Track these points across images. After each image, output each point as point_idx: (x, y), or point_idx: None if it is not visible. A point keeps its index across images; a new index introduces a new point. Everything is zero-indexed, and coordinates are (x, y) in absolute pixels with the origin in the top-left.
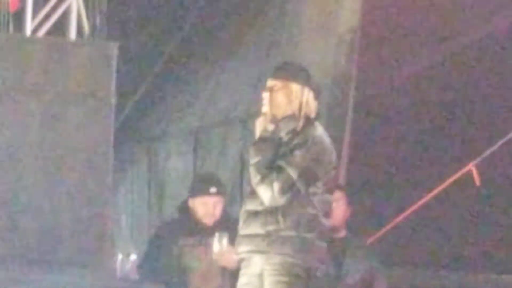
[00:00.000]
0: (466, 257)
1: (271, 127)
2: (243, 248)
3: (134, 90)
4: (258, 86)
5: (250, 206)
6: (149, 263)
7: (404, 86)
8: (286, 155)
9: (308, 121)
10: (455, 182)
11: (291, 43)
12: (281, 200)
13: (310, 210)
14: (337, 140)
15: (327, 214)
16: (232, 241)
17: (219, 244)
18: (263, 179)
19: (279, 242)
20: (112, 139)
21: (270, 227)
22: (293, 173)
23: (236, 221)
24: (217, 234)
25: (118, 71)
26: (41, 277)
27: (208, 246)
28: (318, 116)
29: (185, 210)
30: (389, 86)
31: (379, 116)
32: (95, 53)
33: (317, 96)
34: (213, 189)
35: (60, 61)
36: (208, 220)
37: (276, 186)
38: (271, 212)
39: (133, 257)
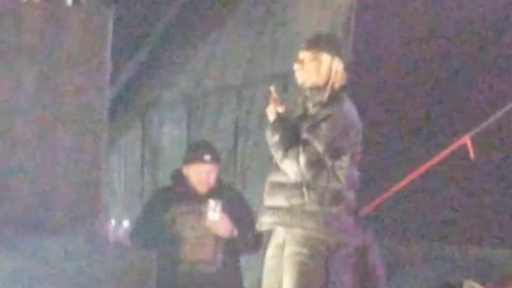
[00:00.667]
0: (461, 229)
1: (281, 109)
2: (266, 219)
3: (130, 57)
4: (253, 55)
5: (275, 177)
6: (142, 230)
7: (401, 58)
8: (312, 128)
9: (336, 93)
10: (450, 154)
11: (286, 13)
12: (308, 174)
13: (336, 185)
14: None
15: (354, 188)
16: (225, 209)
17: (213, 211)
18: (287, 153)
19: (303, 217)
20: (107, 105)
21: (294, 201)
22: (319, 146)
23: (230, 189)
24: (211, 202)
25: (114, 37)
26: (33, 242)
27: (201, 214)
28: (345, 88)
29: (178, 177)
30: (385, 57)
31: (374, 88)
32: (91, 19)
33: (347, 66)
34: (207, 157)
35: (56, 26)
36: (202, 188)
37: (302, 159)
38: (296, 185)
39: (126, 223)
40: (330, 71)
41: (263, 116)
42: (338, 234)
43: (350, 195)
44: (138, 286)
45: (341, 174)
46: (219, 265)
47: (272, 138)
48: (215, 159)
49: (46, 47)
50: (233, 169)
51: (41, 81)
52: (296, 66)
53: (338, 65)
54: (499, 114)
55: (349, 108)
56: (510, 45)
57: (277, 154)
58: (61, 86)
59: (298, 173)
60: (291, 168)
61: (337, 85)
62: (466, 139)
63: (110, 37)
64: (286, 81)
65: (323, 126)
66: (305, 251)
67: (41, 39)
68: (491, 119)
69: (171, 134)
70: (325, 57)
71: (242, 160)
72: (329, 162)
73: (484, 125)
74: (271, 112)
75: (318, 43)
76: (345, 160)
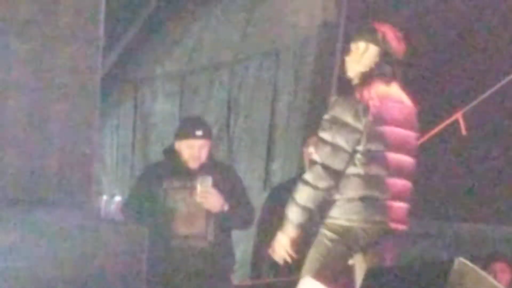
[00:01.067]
0: (451, 206)
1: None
2: None
3: (123, 33)
4: (245, 31)
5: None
6: (134, 205)
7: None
8: None
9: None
10: (441, 130)
11: None
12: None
13: (375, 170)
14: (324, 88)
15: (396, 173)
16: (216, 184)
17: (201, 187)
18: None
19: (341, 203)
20: (99, 80)
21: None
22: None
23: (222, 164)
24: (200, 178)
25: (107, 13)
26: (25, 217)
27: (193, 189)
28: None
29: (170, 152)
30: None
31: None
32: None
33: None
34: (199, 132)
35: (49, 2)
36: (193, 164)
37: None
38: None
39: (118, 198)
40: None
41: (255, 91)
42: (383, 219)
43: (394, 181)
44: (130, 260)
45: (379, 158)
46: (210, 240)
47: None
48: (207, 134)
49: (39, 22)
50: (225, 144)
51: (34, 57)
52: (346, 58)
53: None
54: (491, 91)
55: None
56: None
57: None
58: (54, 61)
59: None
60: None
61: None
62: (458, 116)
63: (103, 12)
64: (278, 57)
65: None
66: (331, 235)
67: (34, 15)
68: (483, 96)
69: (163, 109)
70: (371, 48)
71: (234, 136)
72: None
73: (475, 102)
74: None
75: (363, 34)
76: (385, 145)
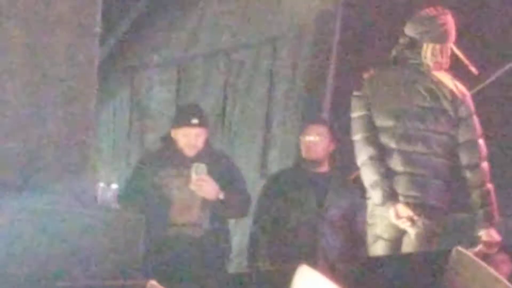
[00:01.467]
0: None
1: None
2: None
3: (120, 19)
4: (243, 19)
5: None
6: (130, 193)
7: (388, 22)
8: None
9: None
10: None
11: None
12: None
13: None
14: (321, 77)
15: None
16: (212, 172)
17: (196, 175)
18: None
19: None
20: (97, 67)
21: None
22: None
23: (218, 153)
24: (194, 165)
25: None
26: (20, 203)
27: (189, 177)
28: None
29: (167, 141)
30: (374, 20)
31: (363, 51)
32: None
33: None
34: (195, 120)
35: None
36: (190, 151)
37: None
38: None
39: (114, 186)
40: None
41: (252, 79)
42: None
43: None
44: (126, 248)
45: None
46: (206, 228)
47: None
48: (203, 122)
49: (36, 8)
50: (221, 132)
51: (31, 42)
52: None
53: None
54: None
55: None
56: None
57: None
58: (51, 47)
59: None
60: None
61: None
62: None
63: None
64: (275, 44)
65: None
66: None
67: (32, 2)
68: (490, 80)
69: (159, 97)
70: None
71: (230, 124)
72: None
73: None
74: None
75: None
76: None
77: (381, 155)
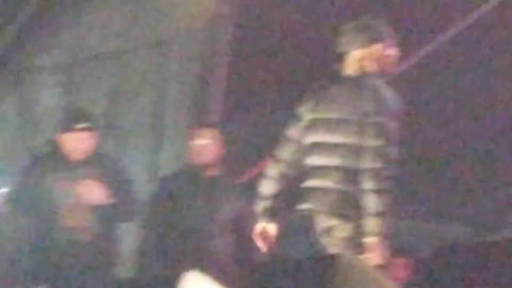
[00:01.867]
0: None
1: None
2: None
3: (8, 22)
4: (134, 21)
5: None
6: (18, 197)
7: (282, 25)
8: None
9: None
10: None
11: None
12: None
13: None
14: (212, 80)
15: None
16: (100, 176)
17: (83, 178)
18: None
19: None
20: None
21: None
22: None
23: (106, 157)
24: (82, 170)
25: None
26: None
27: (77, 181)
28: None
29: (54, 145)
30: (267, 23)
31: (256, 55)
32: None
33: None
34: (82, 125)
35: None
36: (77, 155)
37: None
38: None
39: (3, 190)
40: None
41: (142, 82)
42: None
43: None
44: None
45: None
46: (94, 232)
47: None
48: (91, 126)
49: None
50: (111, 136)
51: None
52: None
53: None
54: None
55: None
56: None
57: None
58: None
59: None
60: None
61: None
62: None
63: None
64: (167, 48)
65: None
66: None
67: None
68: None
69: (48, 100)
70: None
71: (121, 127)
72: None
73: None
74: None
75: None
76: None
77: None
